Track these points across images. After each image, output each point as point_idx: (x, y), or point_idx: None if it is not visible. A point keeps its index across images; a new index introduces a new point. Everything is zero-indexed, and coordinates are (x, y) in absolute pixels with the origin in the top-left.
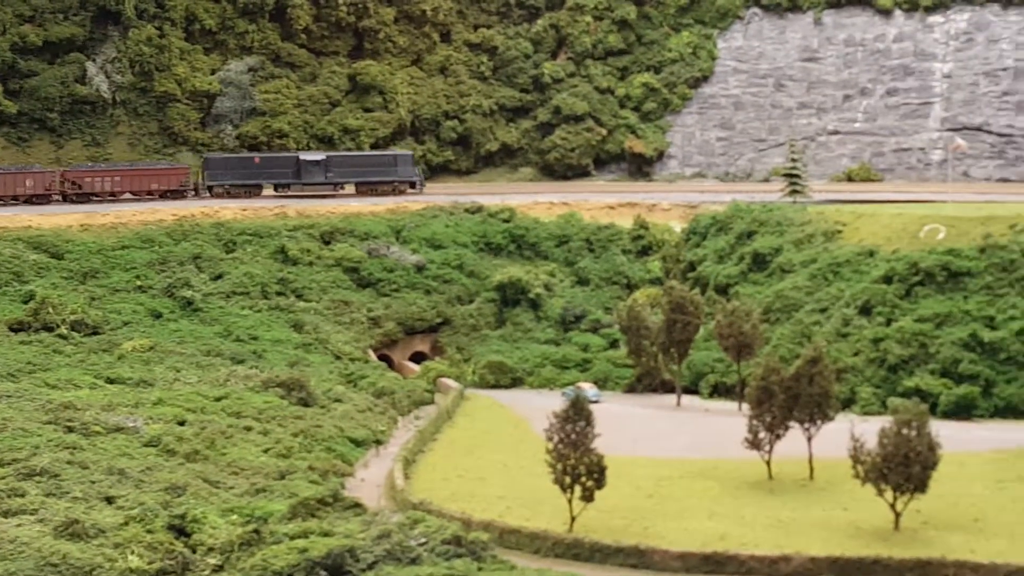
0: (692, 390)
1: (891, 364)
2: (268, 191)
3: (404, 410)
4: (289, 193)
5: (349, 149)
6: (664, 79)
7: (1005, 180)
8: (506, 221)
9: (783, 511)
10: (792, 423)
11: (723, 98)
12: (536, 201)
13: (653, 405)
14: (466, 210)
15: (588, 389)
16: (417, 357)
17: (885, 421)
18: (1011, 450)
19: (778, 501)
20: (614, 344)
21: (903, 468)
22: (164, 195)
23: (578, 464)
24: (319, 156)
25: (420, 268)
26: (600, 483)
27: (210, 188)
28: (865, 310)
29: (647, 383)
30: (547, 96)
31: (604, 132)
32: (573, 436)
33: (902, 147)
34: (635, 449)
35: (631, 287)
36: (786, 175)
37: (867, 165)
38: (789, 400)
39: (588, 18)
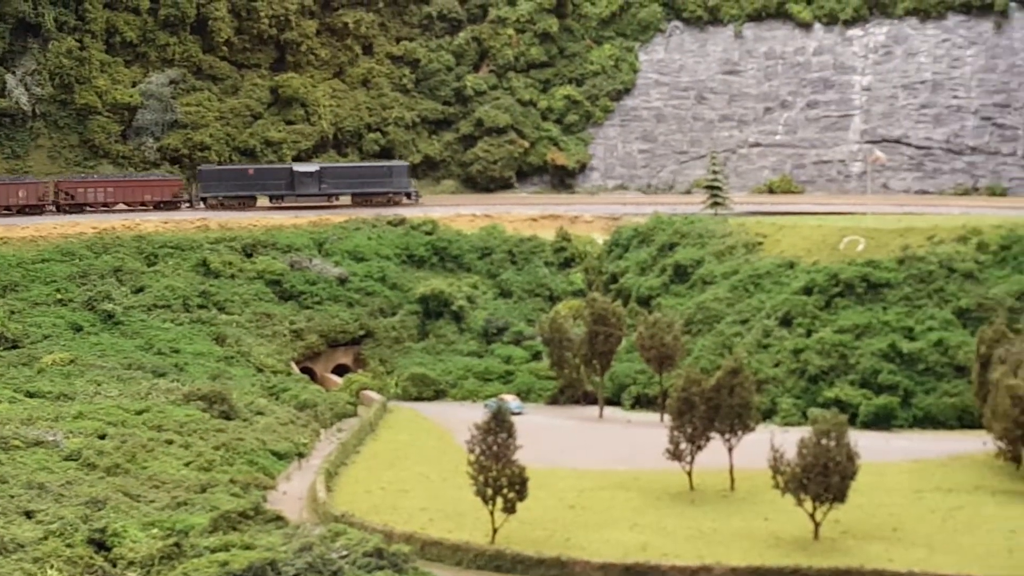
0: (614, 401)
1: (811, 375)
2: (263, 202)
3: (326, 423)
4: (283, 204)
5: (336, 160)
6: (586, 91)
7: (923, 192)
8: (429, 233)
9: (704, 521)
10: (713, 434)
11: (645, 111)
12: (459, 213)
13: (575, 417)
14: (389, 222)
15: (511, 401)
16: (340, 369)
17: (805, 432)
18: (929, 460)
19: (699, 511)
20: (537, 356)
21: (822, 478)
22: (158, 206)
23: (500, 476)
24: (312, 168)
25: (343, 280)
26: (522, 495)
27: (203, 199)
28: (785, 321)
29: (569, 395)
30: (469, 109)
31: (526, 144)
32: (495, 448)
33: (822, 159)
34: (557, 461)
35: (553, 299)
36: (707, 187)
37: (788, 177)
38: (710, 411)
39: (510, 31)
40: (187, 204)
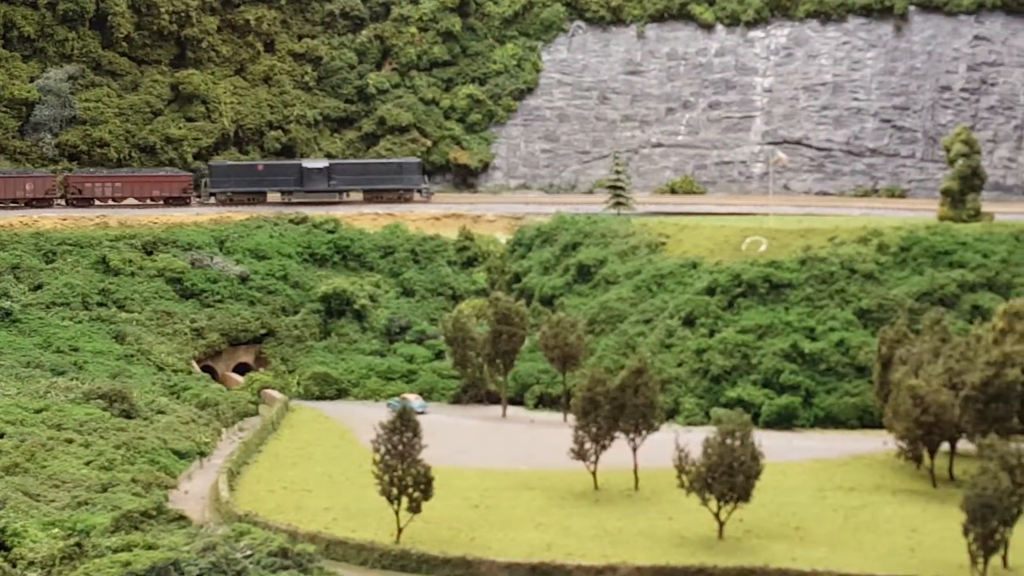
0: (518, 401)
1: (714, 375)
2: (274, 197)
3: (228, 422)
4: (292, 200)
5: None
6: (489, 91)
7: (824, 193)
8: (331, 232)
9: (609, 521)
10: (617, 433)
11: (548, 110)
12: (361, 212)
13: (479, 416)
14: (291, 221)
15: (414, 400)
16: (241, 368)
17: (709, 431)
18: (831, 460)
19: (604, 511)
20: (439, 355)
21: (727, 478)
22: (167, 201)
23: (405, 475)
24: (322, 164)
25: (244, 279)
26: (427, 494)
27: (212, 195)
28: (688, 321)
29: (473, 394)
30: (372, 107)
31: (429, 143)
32: (399, 447)
33: (724, 160)
34: (461, 460)
35: (456, 298)
36: (610, 187)
37: (690, 178)
38: (614, 411)
39: (413, 29)
40: (197, 199)
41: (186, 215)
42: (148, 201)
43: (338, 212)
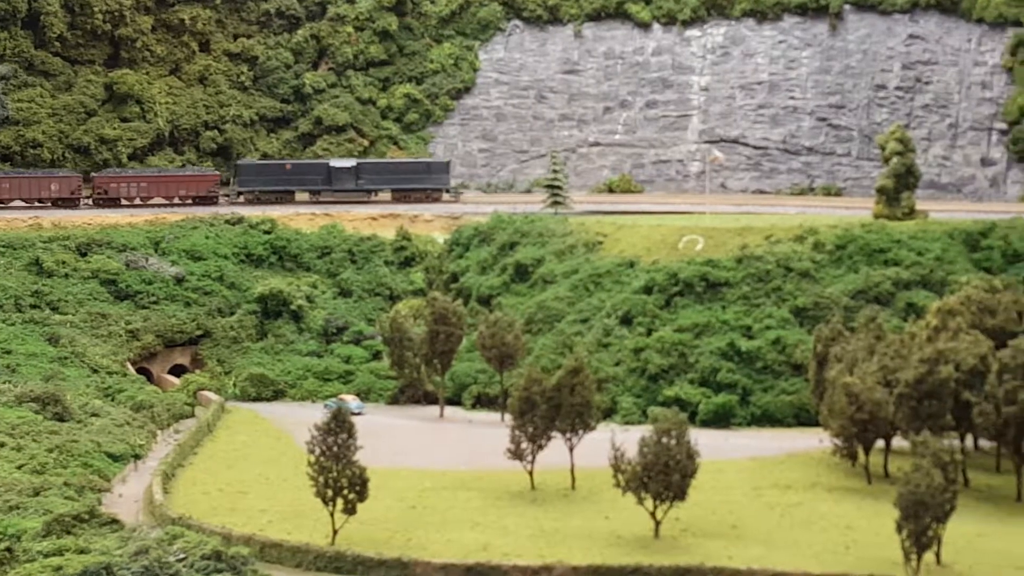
0: (455, 401)
1: (651, 374)
2: (302, 196)
3: (163, 424)
4: (320, 199)
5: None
6: (426, 90)
7: (761, 192)
8: (267, 232)
9: (545, 521)
10: (554, 433)
11: (485, 109)
12: (298, 212)
13: (416, 416)
14: (226, 221)
15: (351, 401)
16: (177, 370)
17: (646, 430)
18: (767, 458)
19: (540, 511)
20: (377, 356)
21: (663, 477)
22: (195, 201)
23: (340, 477)
24: (349, 163)
25: (180, 280)
26: (362, 495)
27: (240, 194)
28: (626, 320)
29: (410, 394)
30: (308, 107)
31: (366, 143)
32: (335, 448)
33: (661, 159)
34: (398, 461)
35: (394, 298)
36: (547, 186)
37: (627, 176)
38: (551, 410)
39: (349, 28)
40: (225, 198)
41: (120, 216)
42: (176, 200)
43: (274, 212)
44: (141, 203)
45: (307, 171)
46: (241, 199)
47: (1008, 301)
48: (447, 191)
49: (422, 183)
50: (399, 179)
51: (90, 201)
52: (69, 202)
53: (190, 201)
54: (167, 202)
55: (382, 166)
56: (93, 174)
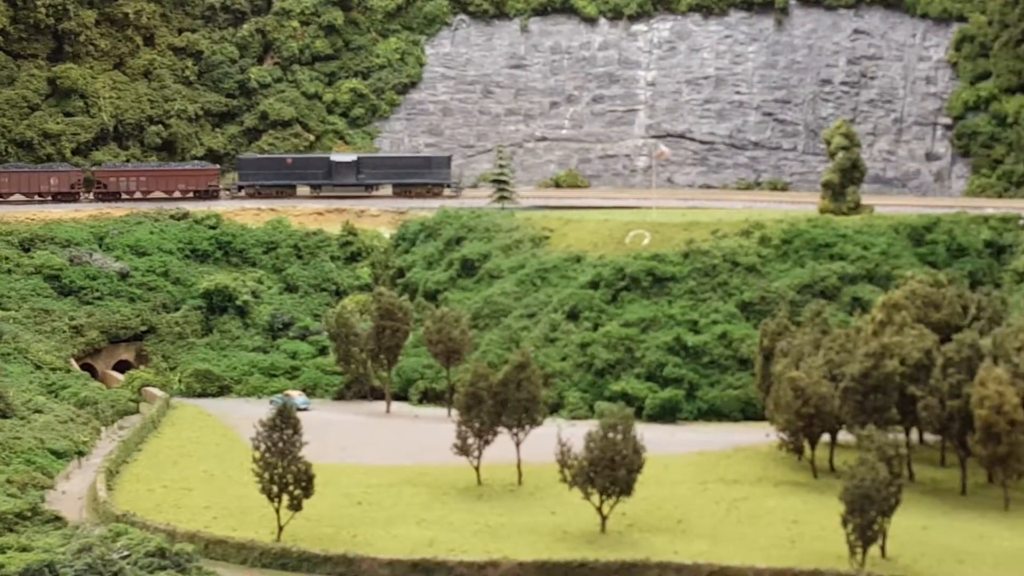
0: (401, 396)
1: (598, 368)
2: (303, 191)
3: (108, 420)
4: (321, 194)
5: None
6: (372, 85)
7: (707, 187)
8: (212, 228)
9: (492, 516)
10: (501, 428)
11: (431, 104)
12: (243, 207)
13: (362, 412)
14: (171, 216)
15: (297, 397)
16: (122, 366)
17: (592, 425)
18: (713, 452)
19: (487, 506)
20: (323, 351)
21: (609, 472)
22: (196, 195)
23: (285, 473)
24: (350, 157)
25: (124, 275)
26: (308, 491)
27: (241, 188)
28: (572, 315)
29: (356, 390)
30: (254, 101)
31: (312, 138)
32: (280, 444)
33: (608, 154)
34: (344, 456)
35: (340, 294)
36: (494, 181)
37: (574, 171)
38: (497, 405)
39: (295, 23)
40: (226, 192)
41: (64, 212)
42: (176, 194)
43: (220, 207)
44: (141, 197)
45: (308, 165)
46: (242, 193)
47: (953, 295)
48: (448, 186)
49: (423, 178)
50: (400, 174)
51: (91, 195)
52: (69, 196)
53: (191, 195)
54: (167, 196)
55: (383, 161)
56: (93, 168)
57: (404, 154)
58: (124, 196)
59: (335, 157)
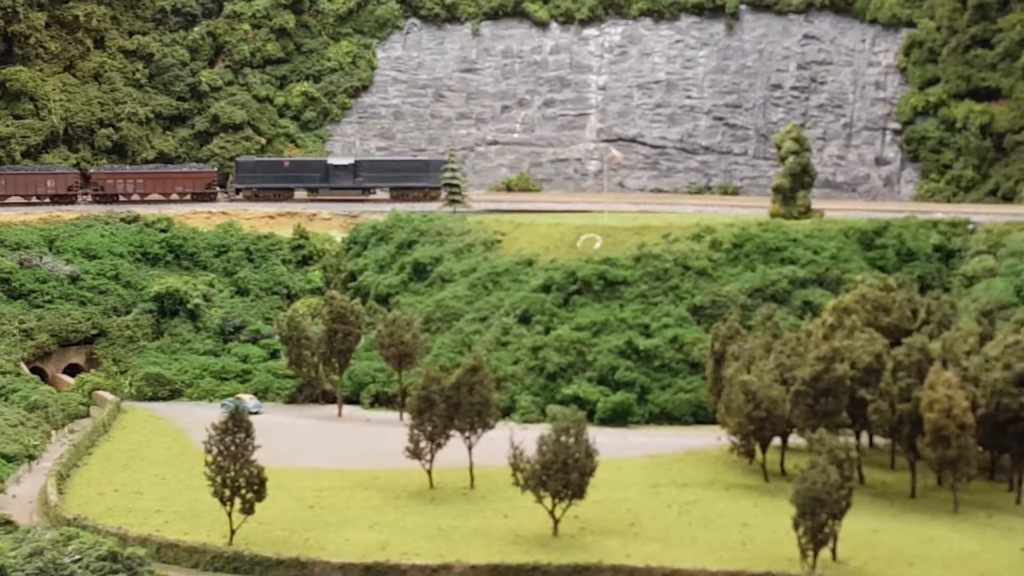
0: (354, 400)
1: (550, 372)
2: (300, 194)
3: (58, 424)
4: (318, 197)
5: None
6: (324, 88)
7: (658, 191)
8: (163, 231)
9: (444, 520)
10: (453, 432)
11: (383, 108)
12: (194, 211)
13: (314, 416)
14: (122, 220)
15: (248, 400)
16: (72, 369)
17: (544, 429)
18: (665, 455)
19: (439, 510)
20: (275, 355)
21: (562, 475)
22: (193, 197)
23: (238, 476)
24: (347, 160)
25: (75, 279)
26: (260, 495)
27: (238, 191)
28: (524, 319)
29: (308, 393)
30: (205, 104)
31: (263, 141)
32: (232, 448)
33: (559, 158)
34: (296, 460)
35: (292, 297)
36: (445, 185)
37: (525, 175)
38: (450, 409)
39: (246, 26)
40: (224, 194)
41: (14, 215)
42: (173, 197)
43: (171, 211)
44: (139, 199)
45: (305, 168)
46: (240, 196)
47: (902, 299)
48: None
49: (420, 181)
50: (397, 177)
51: (88, 197)
52: (66, 199)
53: (188, 197)
54: (164, 199)
55: (380, 164)
56: (92, 170)
57: (401, 157)
58: (122, 198)
59: (332, 160)
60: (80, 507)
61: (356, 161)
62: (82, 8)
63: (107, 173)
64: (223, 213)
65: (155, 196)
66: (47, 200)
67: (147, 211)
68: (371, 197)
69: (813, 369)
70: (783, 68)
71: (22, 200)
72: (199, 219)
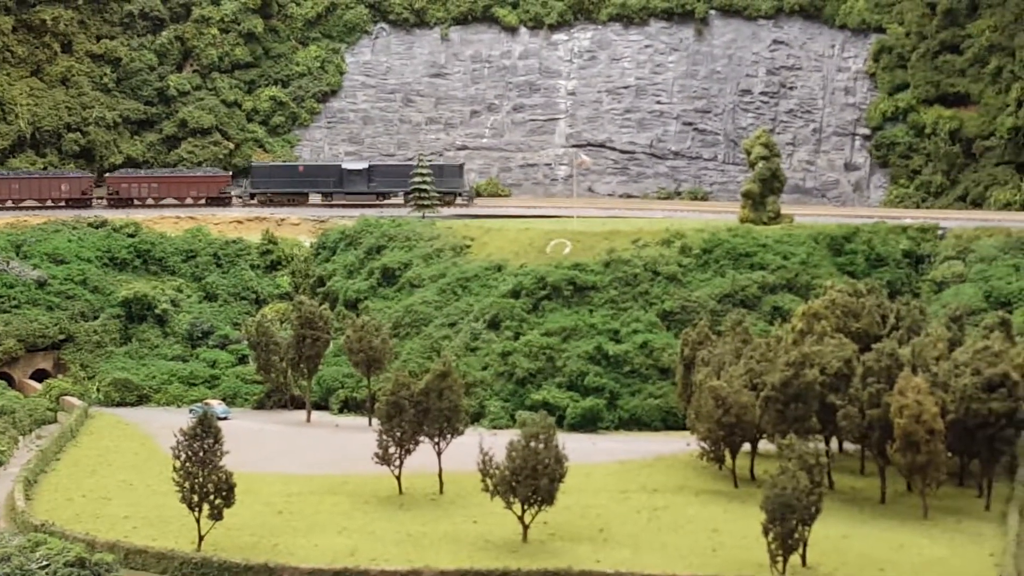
0: (322, 406)
1: (519, 377)
2: (315, 199)
3: (25, 429)
4: (332, 202)
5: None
6: (292, 93)
7: (628, 196)
8: (131, 236)
9: (413, 525)
10: (422, 437)
11: (352, 112)
12: (162, 215)
13: (283, 421)
14: (90, 224)
15: (217, 406)
16: (39, 375)
17: (514, 434)
18: (635, 461)
19: (408, 515)
20: (243, 360)
21: (531, 481)
22: (208, 201)
23: (206, 482)
24: (362, 165)
25: (42, 283)
26: (229, 501)
27: (253, 196)
28: (494, 324)
29: (277, 399)
30: (173, 109)
31: (232, 146)
32: (201, 454)
33: (529, 163)
34: (265, 466)
35: (260, 302)
36: (414, 190)
37: (495, 180)
38: (419, 414)
39: (214, 30)
40: (238, 199)
41: None
42: (188, 201)
43: (138, 215)
44: (153, 203)
45: (320, 173)
46: (254, 201)
47: (872, 305)
48: (460, 195)
49: (436, 186)
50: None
51: (103, 202)
52: (80, 203)
53: (203, 202)
54: (179, 203)
55: (395, 169)
56: (106, 175)
57: (416, 163)
58: (136, 203)
59: (347, 165)
60: (48, 513)
61: (371, 166)
62: (49, 12)
63: (122, 177)
64: (191, 218)
65: (170, 200)
66: (62, 204)
67: (115, 216)
68: (385, 202)
69: (783, 375)
70: (752, 73)
71: (36, 204)
72: (167, 224)
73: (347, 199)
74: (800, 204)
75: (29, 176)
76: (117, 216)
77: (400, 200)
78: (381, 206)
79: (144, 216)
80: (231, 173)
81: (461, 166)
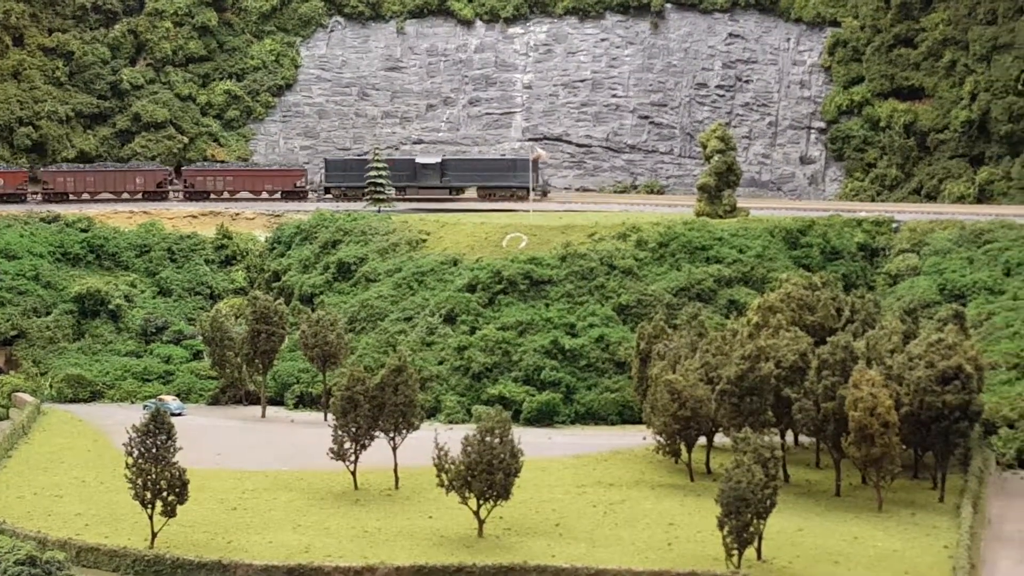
0: (277, 401)
1: (475, 372)
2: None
3: None
4: (406, 196)
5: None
6: (247, 87)
7: (584, 189)
8: (84, 231)
9: (368, 521)
10: (377, 433)
11: (307, 106)
12: (116, 210)
13: (238, 417)
14: (42, 219)
15: (171, 402)
16: None
17: (469, 429)
18: (591, 455)
19: (363, 511)
20: (197, 355)
21: (487, 476)
22: (283, 195)
23: (159, 479)
24: (435, 159)
25: None
26: (182, 497)
27: (327, 189)
28: (449, 318)
29: (231, 395)
30: (126, 103)
31: (186, 140)
32: (154, 450)
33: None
34: (219, 462)
35: (215, 297)
36: (369, 184)
37: None
38: (374, 410)
39: (168, 24)
40: (314, 194)
41: None
42: (263, 195)
43: (92, 210)
44: (228, 196)
45: (393, 167)
46: (329, 195)
47: (827, 298)
48: (532, 189)
49: (507, 180)
50: (485, 176)
51: (180, 195)
52: (156, 195)
53: (278, 196)
54: (254, 196)
55: (468, 163)
56: (183, 168)
57: (490, 156)
58: (212, 196)
59: (420, 159)
60: None
61: (444, 160)
62: (0, 5)
63: (198, 170)
64: (144, 212)
65: (244, 194)
66: (138, 196)
67: (68, 211)
68: (459, 196)
69: (738, 368)
70: (708, 67)
71: (112, 197)
72: (120, 219)
73: (421, 193)
74: (756, 197)
75: (104, 169)
76: (70, 211)
77: (473, 194)
78: (455, 200)
79: (97, 211)
80: (304, 169)
81: (535, 160)
